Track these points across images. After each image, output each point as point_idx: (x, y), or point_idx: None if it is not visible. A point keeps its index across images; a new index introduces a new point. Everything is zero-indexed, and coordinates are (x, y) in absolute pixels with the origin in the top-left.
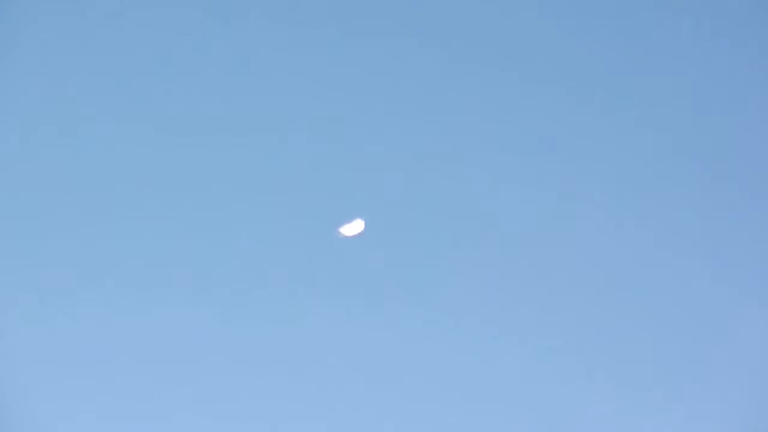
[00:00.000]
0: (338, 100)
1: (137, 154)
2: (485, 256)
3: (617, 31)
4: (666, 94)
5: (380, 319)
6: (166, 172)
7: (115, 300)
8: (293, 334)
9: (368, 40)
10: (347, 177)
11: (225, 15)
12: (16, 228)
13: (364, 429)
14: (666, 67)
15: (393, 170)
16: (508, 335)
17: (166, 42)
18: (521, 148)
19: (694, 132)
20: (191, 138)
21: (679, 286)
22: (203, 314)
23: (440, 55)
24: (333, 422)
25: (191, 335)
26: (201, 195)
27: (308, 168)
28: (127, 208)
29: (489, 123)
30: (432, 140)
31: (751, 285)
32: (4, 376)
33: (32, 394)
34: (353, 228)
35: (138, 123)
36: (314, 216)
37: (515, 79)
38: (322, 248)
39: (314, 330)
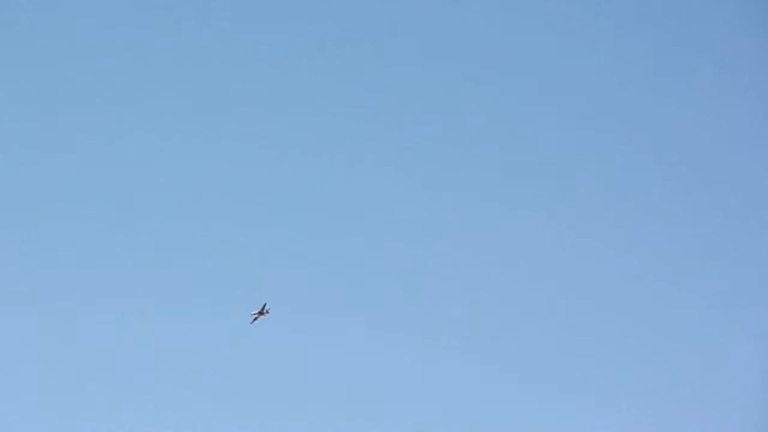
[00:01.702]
0: (334, 113)
1: (136, 168)
2: (476, 270)
3: (616, 44)
4: (665, 112)
5: (374, 332)
6: (167, 181)
7: (118, 304)
8: (291, 342)
9: (367, 55)
10: (343, 188)
11: (230, 24)
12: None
13: None
14: (663, 81)
15: (387, 181)
16: (504, 351)
17: (166, 49)
18: (516, 164)
19: (691, 144)
20: (192, 145)
21: (674, 296)
22: (200, 321)
23: (437, 71)
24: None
25: (181, 341)
26: (202, 204)
27: (306, 177)
28: (130, 215)
29: (484, 139)
30: (425, 156)
31: (747, 297)
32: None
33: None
34: (257, 313)
35: (138, 133)
36: (312, 225)
37: (514, 97)
38: (321, 260)
39: (312, 341)
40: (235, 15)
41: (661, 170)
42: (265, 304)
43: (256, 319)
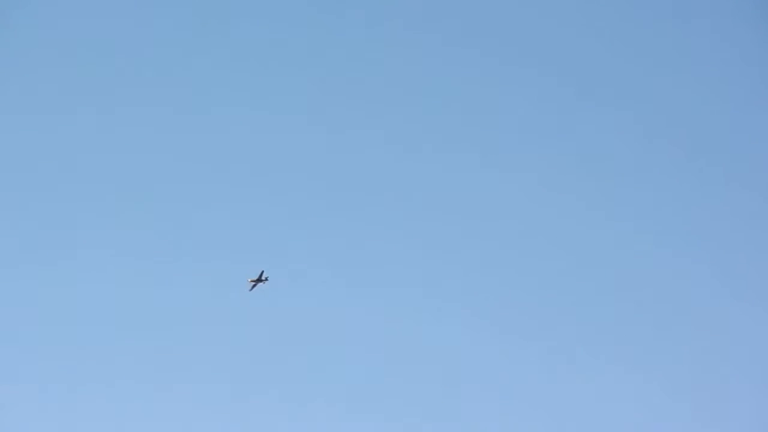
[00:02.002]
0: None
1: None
2: (487, 250)
3: (622, 31)
4: (668, 94)
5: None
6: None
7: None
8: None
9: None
10: (354, 169)
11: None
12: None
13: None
14: (668, 67)
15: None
16: (511, 331)
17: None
18: (524, 144)
19: (695, 130)
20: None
21: (681, 282)
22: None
23: (445, 54)
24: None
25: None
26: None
27: (314, 154)
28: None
29: (492, 121)
30: (436, 137)
31: (754, 283)
32: None
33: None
34: (255, 280)
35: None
36: (322, 204)
37: (519, 77)
38: (326, 239)
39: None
40: None
41: (663, 129)
42: (262, 272)
43: (254, 286)
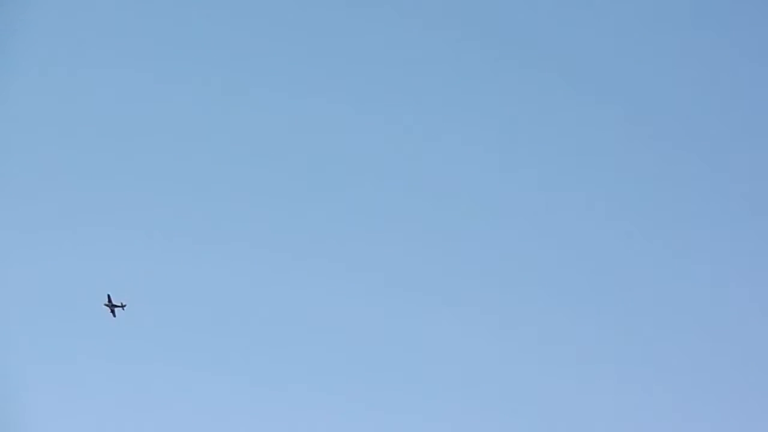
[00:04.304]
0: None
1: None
2: (486, 250)
3: (621, 33)
4: (668, 95)
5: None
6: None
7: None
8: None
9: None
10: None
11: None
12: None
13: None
14: (670, 68)
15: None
16: (510, 333)
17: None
18: (525, 145)
19: (696, 132)
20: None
21: (681, 284)
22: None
23: (445, 53)
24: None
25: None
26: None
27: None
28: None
29: (491, 122)
30: (435, 139)
31: (754, 285)
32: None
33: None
34: (109, 305)
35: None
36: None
37: (520, 80)
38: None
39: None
40: None
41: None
42: (108, 295)
43: (113, 311)
